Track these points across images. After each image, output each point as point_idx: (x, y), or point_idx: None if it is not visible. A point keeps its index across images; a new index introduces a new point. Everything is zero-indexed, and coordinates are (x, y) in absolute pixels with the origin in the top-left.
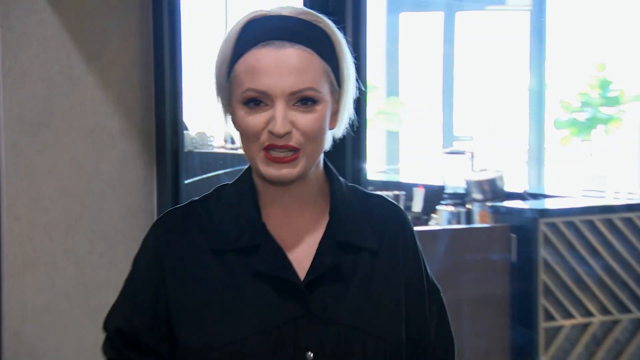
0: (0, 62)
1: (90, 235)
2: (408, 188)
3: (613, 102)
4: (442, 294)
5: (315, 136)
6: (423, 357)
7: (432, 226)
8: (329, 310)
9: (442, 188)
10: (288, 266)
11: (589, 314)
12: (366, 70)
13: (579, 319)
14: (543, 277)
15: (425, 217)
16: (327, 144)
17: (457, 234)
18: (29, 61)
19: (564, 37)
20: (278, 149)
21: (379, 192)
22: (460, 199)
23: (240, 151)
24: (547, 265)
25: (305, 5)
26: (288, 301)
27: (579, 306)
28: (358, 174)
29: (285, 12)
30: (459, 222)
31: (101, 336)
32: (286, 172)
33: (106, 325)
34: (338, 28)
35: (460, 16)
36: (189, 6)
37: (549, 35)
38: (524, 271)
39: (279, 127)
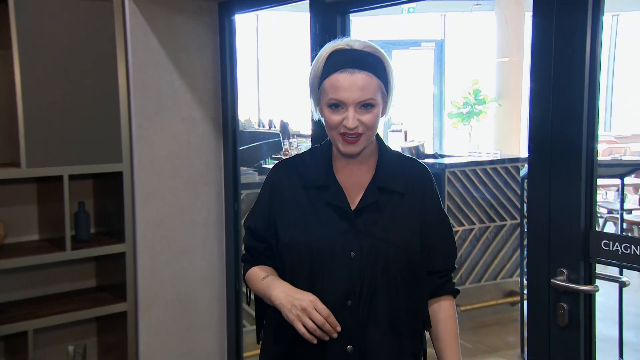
0: (131, 76)
1: (185, 179)
2: None
3: (481, 102)
4: (450, 221)
5: (371, 126)
6: (435, 262)
7: None
8: (367, 228)
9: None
10: (344, 200)
11: (472, 223)
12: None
13: (467, 226)
14: (447, 202)
15: None
16: (379, 127)
17: None
18: (148, 77)
19: (455, 61)
20: (348, 135)
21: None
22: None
23: (263, 130)
24: (449, 194)
25: None
26: (342, 221)
27: (466, 218)
28: None
29: (355, 46)
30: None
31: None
32: (352, 148)
33: (244, 224)
34: (388, 55)
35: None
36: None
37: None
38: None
39: (350, 123)
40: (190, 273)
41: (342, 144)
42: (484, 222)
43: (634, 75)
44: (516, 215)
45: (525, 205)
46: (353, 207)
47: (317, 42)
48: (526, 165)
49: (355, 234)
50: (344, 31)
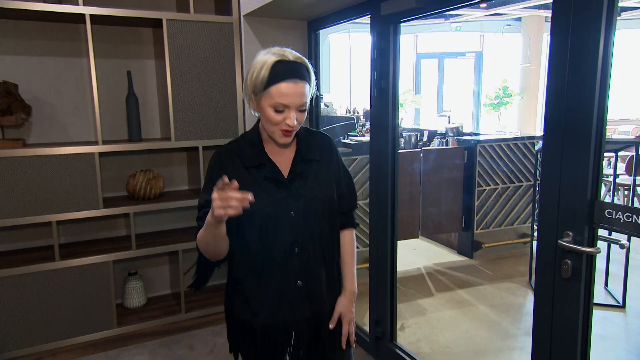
0: (168, 66)
1: None
2: (422, 131)
3: (508, 95)
4: (349, 172)
5: (302, 121)
6: (344, 205)
7: (431, 147)
8: (299, 191)
9: (436, 131)
10: (279, 173)
11: (496, 184)
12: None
13: (492, 186)
14: (477, 169)
15: (428, 143)
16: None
17: (441, 151)
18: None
19: (489, 67)
20: (287, 130)
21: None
22: (443, 136)
23: (335, 108)
24: (479, 164)
25: None
26: (280, 189)
27: (492, 181)
28: (395, 126)
29: (290, 57)
30: (443, 145)
31: None
32: (288, 139)
33: (197, 204)
34: (310, 63)
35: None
36: None
37: (483, 67)
38: (469, 167)
39: (293, 123)
40: None
41: (281, 137)
42: (505, 184)
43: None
44: (530, 179)
45: (538, 171)
46: (285, 177)
47: (376, 46)
48: (540, 141)
49: (292, 197)
50: (396, 39)
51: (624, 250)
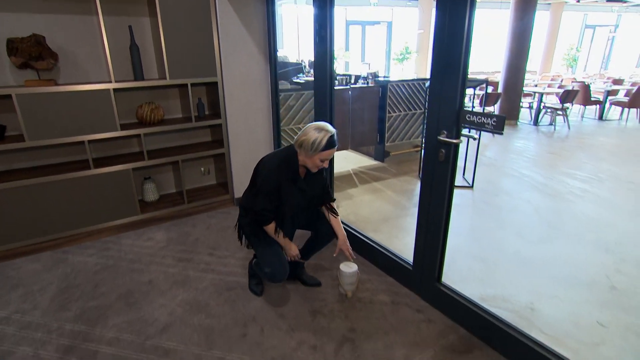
0: (220, 31)
1: (250, 86)
2: (350, 76)
3: (409, 53)
4: (326, 175)
5: None
6: (326, 193)
7: (357, 86)
8: (308, 191)
9: (360, 75)
10: (303, 183)
11: (400, 111)
12: None
13: (397, 113)
14: (388, 101)
15: (355, 83)
16: None
17: (363, 88)
18: (228, 30)
19: (398, 33)
20: (320, 167)
21: None
22: (365, 79)
23: (289, 59)
24: (389, 97)
25: None
26: (301, 192)
27: (397, 108)
28: (332, 66)
29: (333, 131)
30: (365, 84)
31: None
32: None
33: (257, 206)
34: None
35: None
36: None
37: (392, 33)
38: (382, 99)
39: (326, 166)
40: (255, 136)
41: (315, 170)
42: (405, 111)
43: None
44: (421, 107)
45: (426, 102)
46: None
47: (316, 5)
48: (429, 81)
49: (305, 195)
50: (332, 3)
51: (475, 142)
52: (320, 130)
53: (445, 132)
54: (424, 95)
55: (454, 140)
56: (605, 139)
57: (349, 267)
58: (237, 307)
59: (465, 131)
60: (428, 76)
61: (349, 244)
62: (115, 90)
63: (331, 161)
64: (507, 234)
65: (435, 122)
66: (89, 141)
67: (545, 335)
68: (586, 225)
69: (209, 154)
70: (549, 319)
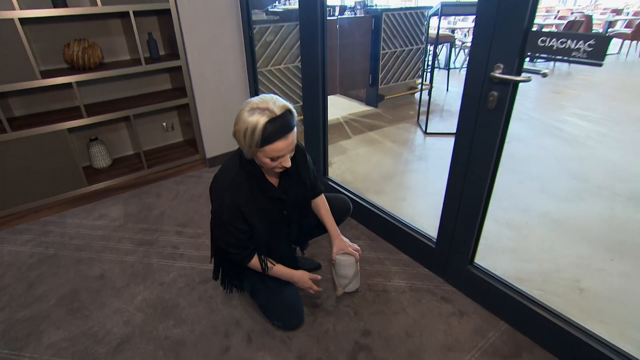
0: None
1: (215, 16)
2: (334, 6)
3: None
4: (313, 167)
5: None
6: (314, 187)
7: (345, 16)
8: (288, 197)
9: (346, 6)
10: (279, 191)
11: (395, 47)
12: None
13: (392, 49)
14: (382, 34)
15: (341, 15)
16: None
17: (353, 19)
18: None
19: None
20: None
21: None
22: (352, 9)
23: None
24: (384, 29)
25: None
26: (278, 202)
27: (392, 44)
28: None
29: (277, 111)
30: (355, 14)
31: None
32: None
33: (224, 245)
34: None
35: None
36: None
37: None
38: (376, 32)
39: (288, 164)
40: (226, 80)
41: (277, 171)
42: (402, 47)
43: None
44: (421, 42)
45: (425, 35)
46: (277, 187)
47: None
48: (430, 10)
49: (284, 204)
50: None
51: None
52: (254, 111)
53: (501, 66)
54: (425, 28)
55: (516, 78)
56: (609, 75)
57: (344, 259)
58: (215, 306)
59: (529, 65)
60: (429, 3)
61: (348, 242)
62: (23, 20)
63: (311, 81)
64: (529, 189)
65: (486, 51)
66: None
67: (605, 325)
68: (615, 175)
69: (168, 106)
70: (602, 302)
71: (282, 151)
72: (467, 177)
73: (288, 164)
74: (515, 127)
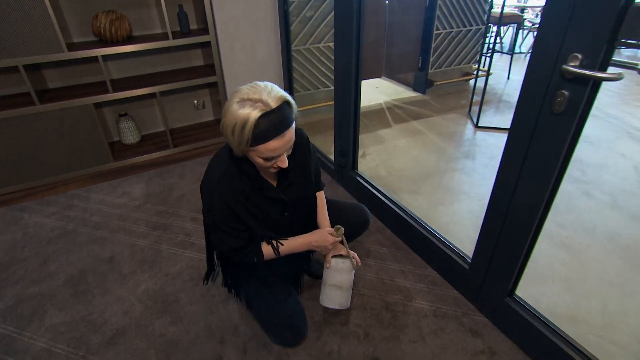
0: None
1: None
2: None
3: None
4: (318, 159)
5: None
6: (316, 183)
7: None
8: (288, 195)
9: None
10: (276, 191)
11: (451, 27)
12: None
13: (447, 30)
14: (438, 12)
15: None
16: None
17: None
18: None
19: None
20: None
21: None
22: None
23: None
24: (440, 6)
25: None
26: (277, 201)
27: (448, 24)
28: None
29: (272, 104)
30: None
31: None
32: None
33: (224, 248)
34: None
35: None
36: None
37: None
38: (430, 9)
39: (284, 164)
40: (258, 58)
41: (273, 171)
42: (459, 27)
43: None
44: (481, 23)
45: (487, 14)
46: (275, 185)
47: None
48: None
49: (285, 204)
50: None
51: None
52: (244, 102)
53: (579, 57)
54: (489, 6)
55: (599, 74)
56: None
57: (341, 261)
58: (215, 307)
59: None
60: None
61: (346, 246)
62: None
63: (344, 64)
64: (597, 203)
65: (559, 35)
66: (26, 66)
67: None
68: None
69: (196, 84)
70: None
71: (277, 151)
72: (518, 186)
73: (285, 164)
74: (586, 126)
